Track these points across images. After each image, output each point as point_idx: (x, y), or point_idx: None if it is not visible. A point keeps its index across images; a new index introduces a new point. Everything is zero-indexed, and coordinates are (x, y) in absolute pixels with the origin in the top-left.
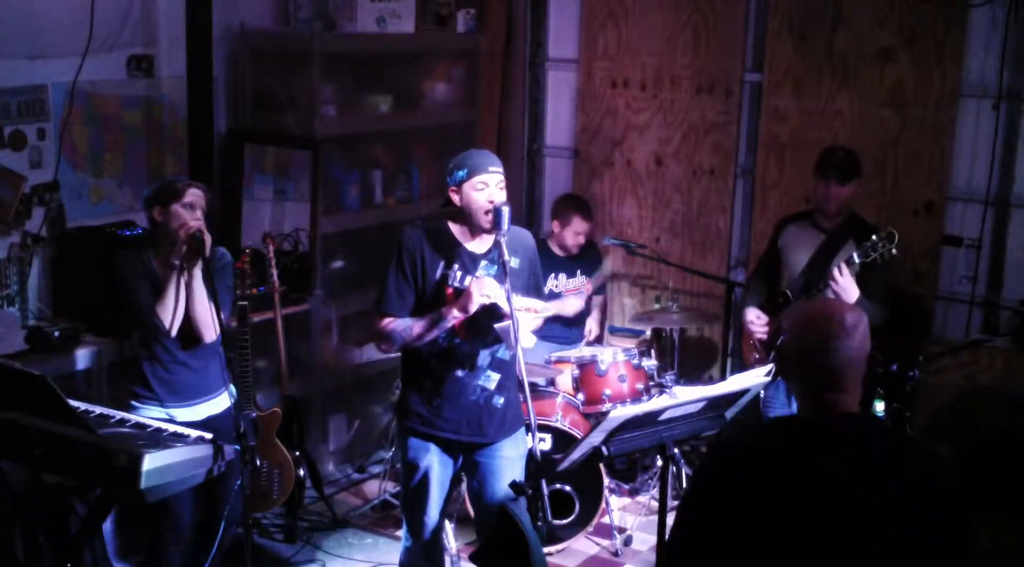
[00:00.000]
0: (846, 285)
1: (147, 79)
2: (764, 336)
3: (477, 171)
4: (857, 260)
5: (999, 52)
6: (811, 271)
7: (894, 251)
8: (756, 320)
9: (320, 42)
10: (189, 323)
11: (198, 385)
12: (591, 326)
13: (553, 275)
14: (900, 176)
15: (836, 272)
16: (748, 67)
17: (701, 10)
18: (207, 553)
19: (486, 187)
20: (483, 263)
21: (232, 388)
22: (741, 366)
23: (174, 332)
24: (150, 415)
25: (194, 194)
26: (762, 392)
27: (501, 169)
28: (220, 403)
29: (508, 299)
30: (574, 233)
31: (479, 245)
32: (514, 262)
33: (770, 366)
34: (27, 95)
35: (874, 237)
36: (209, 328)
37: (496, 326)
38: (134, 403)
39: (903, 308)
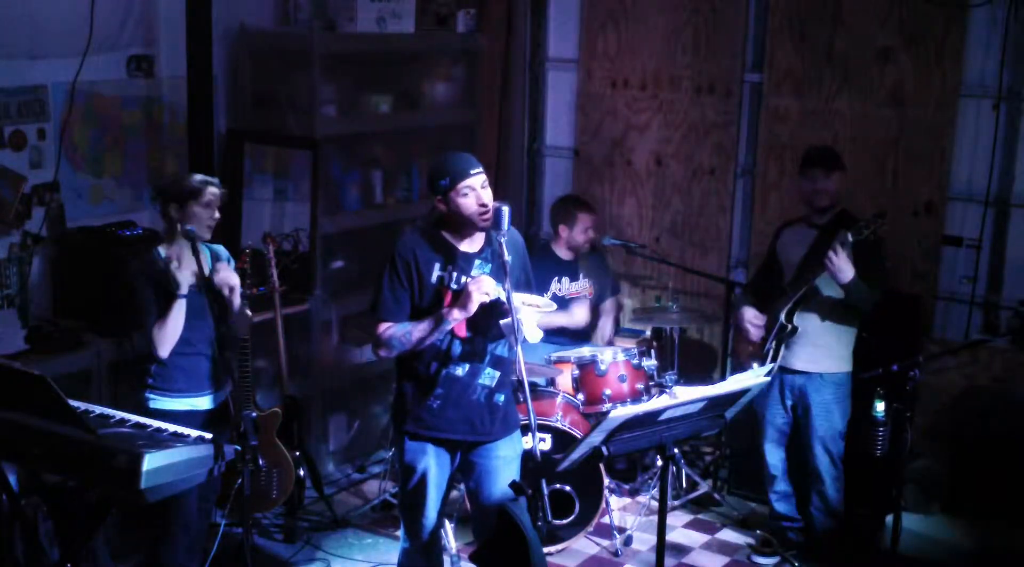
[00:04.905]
0: (841, 265)
1: (147, 79)
2: (758, 338)
3: (460, 177)
4: (851, 239)
5: (999, 52)
6: (805, 263)
7: (885, 226)
8: (755, 320)
9: (320, 42)
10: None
11: (215, 374)
12: (605, 330)
13: (556, 279)
14: (900, 176)
15: (832, 253)
16: (748, 67)
17: (701, 10)
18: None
19: (472, 191)
20: (476, 262)
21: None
22: (738, 364)
23: (165, 355)
24: (171, 408)
25: (212, 193)
26: None
27: (481, 168)
28: (224, 391)
29: (508, 297)
30: (583, 230)
31: (470, 245)
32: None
33: (770, 366)
34: (27, 95)
35: (865, 218)
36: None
37: (501, 322)
38: (151, 395)
39: (903, 308)
